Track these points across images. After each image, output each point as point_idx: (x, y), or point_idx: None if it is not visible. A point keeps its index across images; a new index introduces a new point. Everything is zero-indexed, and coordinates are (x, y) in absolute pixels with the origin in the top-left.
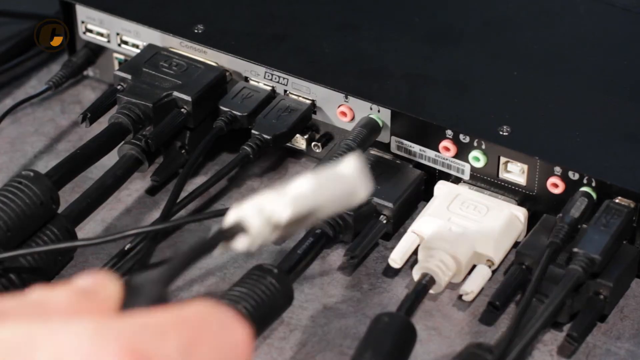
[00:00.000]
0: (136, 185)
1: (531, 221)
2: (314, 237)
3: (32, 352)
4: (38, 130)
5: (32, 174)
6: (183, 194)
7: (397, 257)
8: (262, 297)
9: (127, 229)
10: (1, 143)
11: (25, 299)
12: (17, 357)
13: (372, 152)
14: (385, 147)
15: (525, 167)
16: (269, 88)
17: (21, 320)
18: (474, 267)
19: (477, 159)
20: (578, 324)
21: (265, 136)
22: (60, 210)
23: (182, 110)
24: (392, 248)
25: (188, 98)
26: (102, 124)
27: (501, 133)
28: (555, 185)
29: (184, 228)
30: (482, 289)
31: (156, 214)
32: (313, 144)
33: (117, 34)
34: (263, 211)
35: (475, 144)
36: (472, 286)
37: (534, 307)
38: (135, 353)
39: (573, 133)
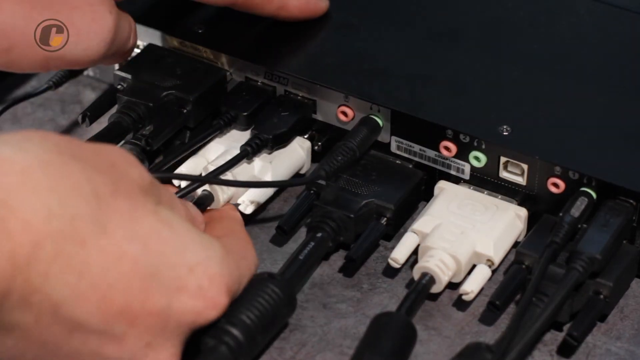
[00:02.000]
0: None
1: (531, 221)
2: (315, 242)
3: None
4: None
5: None
6: None
7: (397, 257)
8: (266, 306)
9: None
10: None
11: None
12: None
13: (372, 152)
14: (385, 147)
15: (525, 166)
16: (269, 88)
17: None
18: (474, 267)
19: (477, 158)
20: (578, 324)
21: (265, 136)
22: None
23: (182, 110)
24: (393, 248)
25: (188, 98)
26: (102, 123)
27: (501, 133)
28: (555, 185)
29: None
30: (482, 289)
31: None
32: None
33: None
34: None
35: (475, 143)
36: (472, 286)
37: (534, 307)
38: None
39: (573, 133)
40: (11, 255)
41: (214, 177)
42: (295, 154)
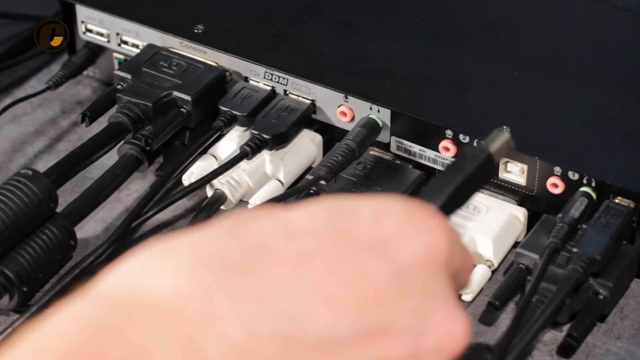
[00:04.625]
0: (136, 185)
1: (531, 221)
2: None
3: (354, 209)
4: (38, 130)
5: (30, 172)
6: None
7: None
8: None
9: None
10: (1, 143)
11: None
12: (341, 213)
13: (372, 152)
14: (385, 147)
15: (525, 167)
16: (268, 88)
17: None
18: (473, 267)
19: None
20: (578, 324)
21: (265, 136)
22: (59, 210)
23: (182, 110)
24: None
25: (188, 98)
26: (102, 123)
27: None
28: (555, 185)
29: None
30: (482, 289)
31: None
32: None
33: (117, 34)
34: None
35: (475, 143)
36: (472, 286)
37: (534, 307)
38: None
39: (573, 133)
40: None
41: (214, 177)
42: (307, 149)
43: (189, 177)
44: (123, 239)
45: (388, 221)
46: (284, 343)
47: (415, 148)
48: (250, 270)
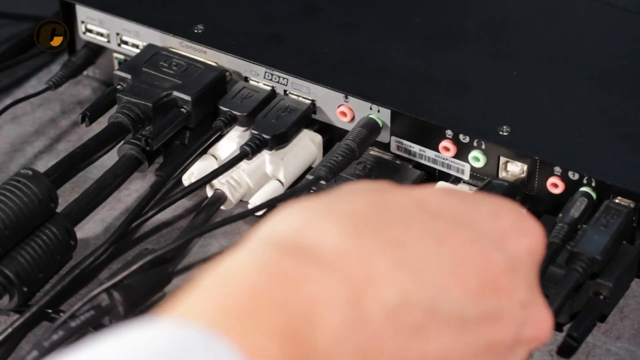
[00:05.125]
0: (136, 186)
1: None
2: None
3: (476, 202)
4: (38, 130)
5: (30, 172)
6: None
7: None
8: None
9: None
10: (1, 143)
11: None
12: (467, 204)
13: (372, 152)
14: (385, 147)
15: (525, 167)
16: (268, 88)
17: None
18: None
19: (477, 159)
20: (578, 324)
21: (265, 136)
22: (59, 210)
23: (182, 110)
24: None
25: (188, 98)
26: (102, 123)
27: (501, 133)
28: (555, 185)
29: None
30: None
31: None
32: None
33: (117, 34)
34: None
35: (475, 144)
36: None
37: None
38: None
39: (573, 133)
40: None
41: (214, 177)
42: (307, 149)
43: (189, 177)
44: (123, 239)
45: (504, 219)
46: (427, 313)
47: (415, 148)
48: (399, 242)
